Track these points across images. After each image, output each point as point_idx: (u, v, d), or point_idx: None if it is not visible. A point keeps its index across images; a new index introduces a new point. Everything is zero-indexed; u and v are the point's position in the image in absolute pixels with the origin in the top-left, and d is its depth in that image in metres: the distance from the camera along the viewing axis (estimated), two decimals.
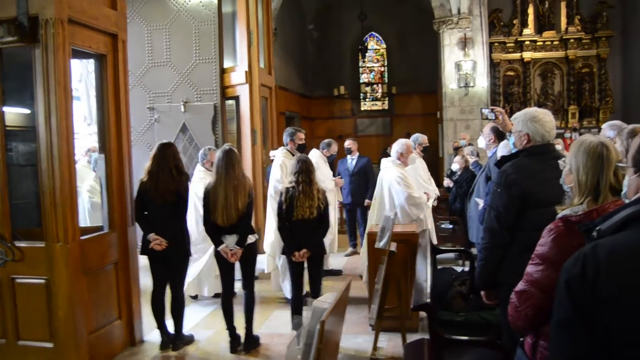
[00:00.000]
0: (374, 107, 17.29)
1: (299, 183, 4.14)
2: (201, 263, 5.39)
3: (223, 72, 7.14)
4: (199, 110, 7.05)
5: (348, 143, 7.65)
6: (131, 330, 4.32)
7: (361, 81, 17.21)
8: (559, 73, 13.43)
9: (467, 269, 4.58)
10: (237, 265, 4.21)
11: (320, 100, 16.67)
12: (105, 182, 4.23)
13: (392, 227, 3.86)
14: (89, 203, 6.40)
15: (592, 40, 13.08)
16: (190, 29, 7.09)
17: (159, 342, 4.28)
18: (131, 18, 6.74)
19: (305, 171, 4.16)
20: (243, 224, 4.07)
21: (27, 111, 4.00)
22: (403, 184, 4.99)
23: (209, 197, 4.05)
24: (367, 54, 16.78)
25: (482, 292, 2.85)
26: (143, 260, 4.41)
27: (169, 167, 4.14)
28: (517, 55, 13.29)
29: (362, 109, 17.24)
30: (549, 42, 13.18)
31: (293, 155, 5.60)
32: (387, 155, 14.67)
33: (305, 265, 4.28)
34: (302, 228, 4.14)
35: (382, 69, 17.28)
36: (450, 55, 12.01)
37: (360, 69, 17.25)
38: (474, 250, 4.86)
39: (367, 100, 17.33)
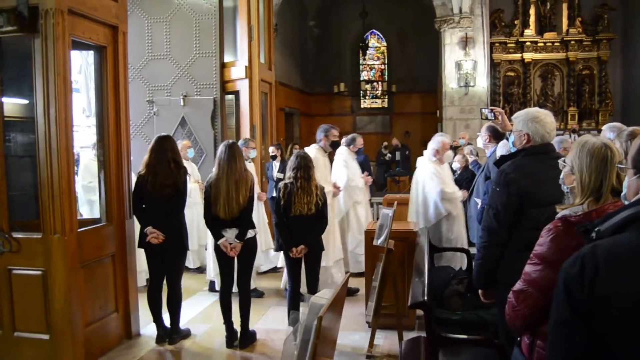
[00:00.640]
0: (374, 105, 17.29)
1: (297, 179, 4.13)
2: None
3: (223, 66, 7.12)
4: (198, 105, 7.03)
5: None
6: (128, 323, 4.32)
7: (361, 79, 17.20)
8: (559, 74, 13.44)
9: (465, 267, 4.58)
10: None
11: (320, 97, 16.66)
12: (103, 175, 4.22)
13: (390, 225, 3.86)
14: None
15: (593, 42, 13.09)
16: (191, 22, 7.06)
17: (155, 335, 4.27)
18: (132, 10, 6.71)
19: (303, 167, 4.15)
20: (244, 217, 4.08)
21: (26, 102, 3.98)
22: (437, 179, 4.99)
23: (210, 190, 4.05)
24: (367, 52, 16.78)
25: (480, 291, 2.85)
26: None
27: (167, 160, 4.13)
28: (517, 56, 13.29)
29: (362, 106, 17.25)
30: (549, 44, 13.19)
31: (326, 151, 5.59)
32: (383, 153, 14.57)
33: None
34: (300, 224, 4.14)
35: (383, 66, 17.28)
36: (451, 54, 12.01)
37: (361, 67, 17.25)
38: (473, 250, 4.87)
39: (366, 97, 17.33)
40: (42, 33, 3.51)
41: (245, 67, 6.96)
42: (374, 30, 16.99)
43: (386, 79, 17.12)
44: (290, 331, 1.65)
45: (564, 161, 1.96)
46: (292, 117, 14.90)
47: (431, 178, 5.03)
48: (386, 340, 4.23)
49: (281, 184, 4.26)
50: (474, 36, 11.92)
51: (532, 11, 13.13)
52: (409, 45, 16.19)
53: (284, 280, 5.44)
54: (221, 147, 4.14)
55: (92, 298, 3.95)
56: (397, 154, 13.98)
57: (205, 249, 5.90)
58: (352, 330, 4.43)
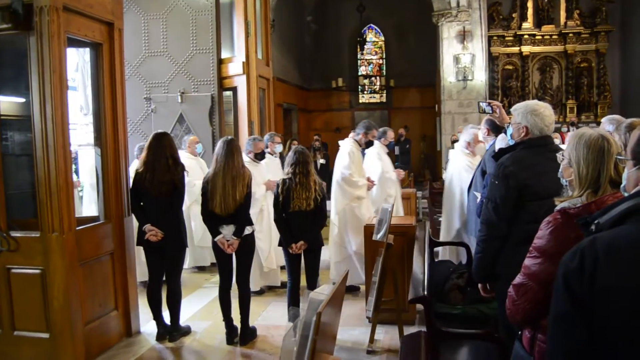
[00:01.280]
0: (372, 100, 17.27)
1: (296, 174, 4.12)
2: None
3: (220, 62, 7.10)
4: (196, 101, 7.01)
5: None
6: (127, 321, 4.31)
7: (359, 74, 17.17)
8: (557, 67, 13.42)
9: (464, 261, 4.58)
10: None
11: (318, 93, 16.63)
12: (101, 172, 4.21)
13: (389, 220, 3.85)
14: None
15: (591, 34, 13.06)
16: (188, 18, 7.03)
17: (156, 333, 4.27)
18: (127, 7, 6.68)
19: (302, 162, 4.14)
20: (240, 214, 4.07)
21: (22, 100, 3.96)
22: (471, 172, 4.99)
23: (207, 186, 4.04)
24: (365, 47, 16.74)
25: (479, 285, 2.85)
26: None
27: (165, 156, 4.11)
28: (515, 49, 13.26)
29: (360, 101, 17.22)
30: (547, 36, 13.16)
31: (360, 146, 5.58)
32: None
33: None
34: (299, 220, 4.13)
35: (381, 61, 17.24)
36: (449, 48, 11.98)
37: (359, 62, 17.21)
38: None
39: (365, 92, 17.30)
40: (37, 30, 3.49)
41: (243, 63, 6.94)
42: (372, 25, 16.94)
43: (384, 73, 17.09)
44: (290, 327, 1.65)
45: (562, 154, 1.95)
46: (290, 112, 14.88)
47: (466, 170, 5.02)
48: (386, 335, 4.23)
49: (279, 180, 4.25)
50: (472, 30, 11.88)
51: (529, 4, 13.10)
52: (406, 39, 16.16)
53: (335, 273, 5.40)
54: (219, 143, 4.14)
55: (92, 296, 3.94)
56: (397, 148, 13.94)
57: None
58: (353, 325, 4.43)
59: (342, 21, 16.49)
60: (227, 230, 4.05)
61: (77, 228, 3.79)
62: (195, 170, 6.12)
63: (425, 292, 3.02)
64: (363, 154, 6.06)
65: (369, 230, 4.37)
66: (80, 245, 3.77)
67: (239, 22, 7.07)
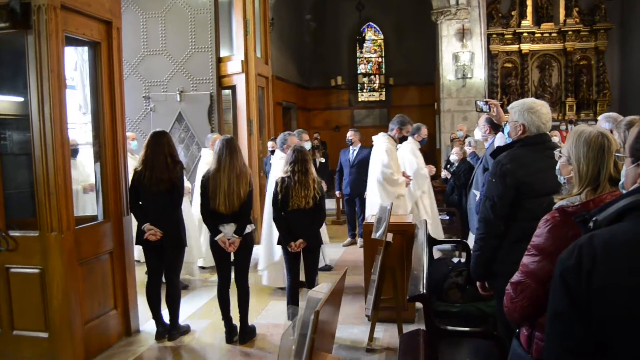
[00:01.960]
0: (371, 98, 17.24)
1: (295, 172, 4.12)
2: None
3: (219, 61, 7.10)
4: (195, 100, 7.01)
5: (350, 134, 7.63)
6: (127, 320, 4.31)
7: (358, 72, 17.15)
8: (556, 65, 13.40)
9: (463, 260, 4.58)
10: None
11: (317, 91, 16.61)
12: (100, 171, 4.20)
13: (388, 218, 3.85)
14: None
15: (591, 32, 13.05)
16: (186, 17, 7.03)
17: (155, 332, 4.27)
18: (126, 5, 6.68)
19: (301, 160, 4.14)
20: (244, 212, 4.07)
21: (20, 99, 3.96)
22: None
23: (208, 185, 4.03)
24: (364, 45, 16.71)
25: (478, 283, 2.85)
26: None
27: (163, 155, 4.11)
28: (515, 47, 13.25)
29: (359, 99, 17.19)
30: (547, 34, 13.14)
31: (395, 142, 5.54)
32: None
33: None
34: (298, 218, 4.13)
35: (380, 59, 17.22)
36: (448, 46, 11.96)
37: (358, 60, 17.18)
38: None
39: (364, 91, 17.27)
40: (35, 29, 3.49)
41: (242, 61, 6.94)
42: (371, 23, 16.91)
43: (383, 71, 17.07)
44: (289, 325, 1.64)
45: (560, 152, 1.95)
46: (290, 111, 14.86)
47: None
48: (386, 333, 4.23)
49: (278, 178, 4.25)
50: (471, 28, 11.86)
51: (529, 2, 13.08)
52: (406, 37, 16.13)
53: None
54: (219, 142, 4.12)
55: (91, 295, 3.94)
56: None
57: None
58: (352, 323, 4.43)
59: (341, 19, 16.47)
60: (228, 229, 4.04)
61: (76, 227, 3.79)
62: None
63: (424, 290, 3.02)
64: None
65: (367, 228, 4.37)
66: (79, 245, 3.77)
67: (237, 20, 7.07)
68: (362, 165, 7.37)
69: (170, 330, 4.25)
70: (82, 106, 7.08)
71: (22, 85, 3.68)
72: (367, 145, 7.71)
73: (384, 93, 17.08)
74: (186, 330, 4.39)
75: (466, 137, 9.00)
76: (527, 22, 13.10)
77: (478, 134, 4.97)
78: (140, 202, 4.20)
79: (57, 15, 3.54)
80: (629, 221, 1.24)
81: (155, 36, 7.08)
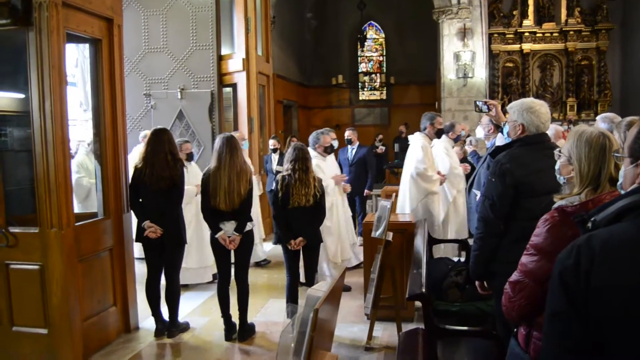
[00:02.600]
0: (372, 97, 17.23)
1: (295, 171, 4.13)
2: None
3: (220, 59, 7.09)
4: (195, 98, 7.01)
5: (348, 133, 7.62)
6: (126, 317, 4.32)
7: (359, 71, 17.14)
8: (558, 65, 13.38)
9: (463, 259, 4.58)
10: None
11: (318, 90, 16.60)
12: (100, 168, 4.20)
13: (388, 217, 3.85)
14: None
15: (592, 32, 13.02)
16: (188, 15, 7.02)
17: (154, 329, 4.27)
18: (127, 3, 6.68)
19: (301, 159, 4.15)
20: (244, 209, 4.07)
21: (21, 95, 3.96)
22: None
23: (208, 183, 4.04)
24: (365, 44, 16.70)
25: (477, 282, 2.85)
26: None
27: (164, 152, 4.11)
28: (516, 47, 13.22)
29: (360, 98, 17.18)
30: (548, 34, 13.12)
31: (431, 139, 5.53)
32: (376, 145, 14.42)
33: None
34: (299, 216, 4.13)
35: (381, 58, 17.20)
36: (449, 45, 11.95)
37: (359, 59, 17.17)
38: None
39: (365, 89, 17.26)
40: (36, 26, 3.48)
41: (243, 59, 6.94)
42: (372, 22, 16.89)
43: (384, 70, 17.06)
44: (288, 324, 1.65)
45: (559, 152, 1.94)
46: (290, 109, 14.86)
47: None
48: (385, 332, 4.24)
49: (279, 176, 4.25)
50: (473, 27, 11.85)
51: (530, 1, 13.05)
52: (407, 36, 16.11)
53: None
54: (219, 140, 4.12)
55: (90, 292, 3.95)
56: (397, 145, 13.92)
57: None
58: (351, 322, 4.44)
59: (343, 18, 16.45)
60: (229, 227, 4.05)
61: (76, 224, 3.79)
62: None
63: (424, 289, 3.02)
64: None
65: (367, 227, 4.37)
66: (79, 241, 3.77)
67: (239, 18, 7.07)
68: (360, 164, 7.37)
69: (170, 328, 4.25)
70: (83, 103, 7.09)
71: (23, 81, 3.68)
72: (365, 144, 7.72)
73: (384, 92, 17.07)
74: (185, 327, 4.39)
75: (467, 136, 9.00)
76: (528, 22, 13.08)
77: (481, 132, 4.96)
78: (141, 200, 4.20)
79: (58, 12, 3.54)
80: (627, 221, 1.24)
81: (156, 34, 7.08)
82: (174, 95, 7.02)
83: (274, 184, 4.31)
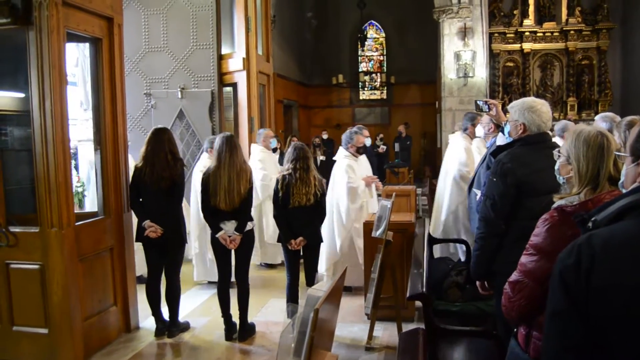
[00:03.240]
0: (373, 97, 17.23)
1: (297, 170, 4.12)
2: None
3: (220, 58, 7.08)
4: (196, 97, 7.00)
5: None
6: (126, 316, 4.32)
7: (360, 70, 17.14)
8: (558, 64, 13.37)
9: (463, 259, 4.58)
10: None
11: (318, 89, 16.60)
12: (101, 168, 4.20)
13: (388, 217, 3.85)
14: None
15: (593, 32, 13.01)
16: (188, 14, 7.02)
17: (155, 329, 4.27)
18: (127, 2, 6.67)
19: (302, 158, 4.15)
20: (244, 209, 4.07)
21: (21, 95, 3.96)
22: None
23: (208, 182, 4.04)
24: (366, 43, 16.70)
25: (477, 282, 2.85)
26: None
27: (164, 152, 4.11)
28: (516, 46, 13.21)
29: (361, 98, 17.19)
30: (549, 34, 13.10)
31: (472, 139, 5.50)
32: (377, 145, 14.41)
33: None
34: (299, 215, 4.13)
35: (381, 58, 17.20)
36: (450, 45, 11.94)
37: (359, 58, 17.17)
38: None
39: (365, 89, 17.26)
40: (37, 25, 3.48)
41: (243, 59, 6.93)
42: (373, 21, 16.89)
43: (385, 70, 17.05)
44: (288, 323, 1.65)
45: (559, 151, 1.94)
46: (291, 109, 14.86)
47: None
48: (385, 332, 4.23)
49: (279, 176, 4.25)
50: (473, 26, 11.84)
51: (531, 1, 13.03)
52: (407, 36, 16.11)
53: None
54: (219, 140, 4.13)
55: (91, 292, 3.95)
56: (397, 145, 13.92)
57: None
58: (352, 322, 4.44)
59: (343, 17, 16.45)
60: (229, 226, 4.05)
61: (77, 223, 3.79)
62: (269, 164, 6.12)
63: (424, 289, 3.02)
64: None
65: (368, 226, 4.37)
66: (79, 241, 3.77)
67: (239, 17, 7.06)
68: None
69: (170, 327, 4.25)
70: (83, 102, 7.09)
71: (23, 81, 3.68)
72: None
73: (385, 91, 17.07)
74: (186, 327, 4.39)
75: None
76: (529, 22, 13.07)
77: (481, 131, 4.95)
78: (141, 199, 4.20)
79: (59, 11, 3.53)
80: (628, 220, 1.24)
81: (156, 33, 7.07)
82: (175, 94, 7.01)
83: (275, 184, 4.31)
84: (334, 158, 5.85)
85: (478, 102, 3.59)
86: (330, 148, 12.43)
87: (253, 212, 4.67)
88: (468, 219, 5.12)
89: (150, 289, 4.27)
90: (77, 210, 4.55)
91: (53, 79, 3.51)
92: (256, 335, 4.26)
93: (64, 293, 3.61)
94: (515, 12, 13.14)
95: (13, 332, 3.74)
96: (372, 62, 17.26)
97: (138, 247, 4.43)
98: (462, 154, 5.21)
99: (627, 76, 13.22)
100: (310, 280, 4.23)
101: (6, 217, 3.74)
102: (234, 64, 7.03)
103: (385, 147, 13.93)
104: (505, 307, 1.81)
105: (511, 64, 13.37)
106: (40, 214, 3.61)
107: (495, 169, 2.69)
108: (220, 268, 4.22)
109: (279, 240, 4.37)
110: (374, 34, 17.13)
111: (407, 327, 3.93)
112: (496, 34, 13.08)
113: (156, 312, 4.28)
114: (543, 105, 2.74)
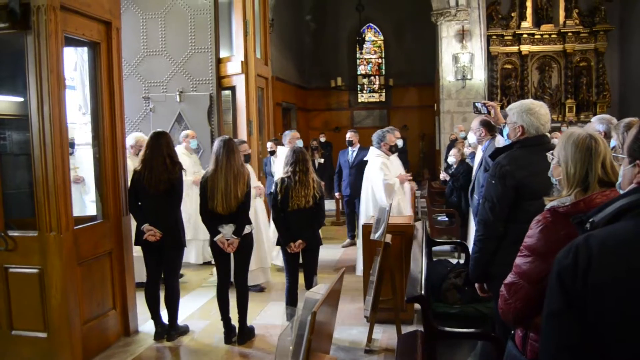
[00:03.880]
0: (371, 99, 17.25)
1: (296, 173, 4.12)
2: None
3: (219, 62, 7.09)
4: (194, 100, 7.00)
5: (350, 135, 7.62)
6: (126, 320, 4.31)
7: (358, 73, 17.17)
8: (556, 66, 13.40)
9: (462, 261, 4.58)
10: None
11: (317, 92, 16.62)
12: (99, 171, 4.20)
13: (387, 219, 3.85)
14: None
15: (590, 34, 13.05)
16: (186, 17, 7.02)
17: (154, 332, 4.27)
18: (126, 6, 6.68)
19: (301, 160, 4.15)
20: (242, 212, 4.07)
21: (20, 99, 3.96)
22: None
23: (206, 185, 4.04)
24: (364, 46, 16.72)
25: (476, 285, 2.85)
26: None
27: (162, 155, 4.11)
28: (514, 48, 13.25)
29: (359, 100, 17.21)
30: (546, 36, 13.15)
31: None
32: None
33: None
34: (298, 218, 4.13)
35: (380, 60, 17.23)
36: (448, 47, 11.97)
37: (358, 61, 17.20)
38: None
39: (364, 92, 17.28)
40: (35, 30, 3.49)
41: (242, 62, 6.93)
42: (371, 24, 16.92)
43: (383, 72, 17.08)
44: (286, 326, 1.65)
45: (552, 154, 1.95)
46: (289, 112, 14.87)
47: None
48: (384, 335, 4.23)
49: (278, 179, 4.25)
50: (471, 29, 11.87)
51: (528, 3, 13.08)
52: (405, 38, 16.15)
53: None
54: (217, 143, 4.13)
55: (90, 295, 3.94)
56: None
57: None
58: (351, 324, 4.43)
59: (341, 20, 16.48)
60: (227, 230, 4.05)
61: (75, 227, 3.79)
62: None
63: (423, 292, 3.02)
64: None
65: (367, 229, 4.37)
66: (78, 245, 3.77)
67: (237, 21, 7.06)
68: (361, 166, 7.34)
69: (169, 331, 4.25)
70: (82, 106, 7.08)
71: (21, 85, 3.68)
72: (366, 146, 7.70)
73: (383, 94, 17.09)
74: (185, 330, 4.39)
75: (466, 137, 9.00)
76: (526, 24, 13.11)
77: (473, 137, 4.95)
78: (140, 203, 4.20)
79: (57, 15, 3.54)
80: (625, 221, 1.25)
81: (155, 37, 7.08)
82: (173, 98, 7.01)
83: (273, 187, 4.31)
84: (365, 158, 5.88)
85: (476, 104, 3.60)
86: (328, 151, 12.44)
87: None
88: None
89: (149, 293, 4.26)
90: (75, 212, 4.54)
91: (51, 83, 3.51)
92: (255, 338, 4.25)
93: (62, 297, 3.61)
94: (513, 14, 13.18)
95: (12, 336, 3.73)
96: (370, 64, 17.29)
97: (138, 255, 4.43)
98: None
99: (625, 78, 13.26)
100: (309, 283, 4.23)
101: (5, 221, 3.74)
102: (233, 67, 7.03)
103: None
104: (501, 309, 1.81)
105: (509, 66, 13.41)
106: (39, 218, 3.61)
107: (493, 171, 2.69)
108: (220, 271, 4.22)
109: (277, 243, 4.37)
110: (372, 37, 17.16)
111: (406, 329, 3.93)
112: (494, 37, 13.12)
113: (155, 316, 4.28)
114: (541, 108, 2.75)
